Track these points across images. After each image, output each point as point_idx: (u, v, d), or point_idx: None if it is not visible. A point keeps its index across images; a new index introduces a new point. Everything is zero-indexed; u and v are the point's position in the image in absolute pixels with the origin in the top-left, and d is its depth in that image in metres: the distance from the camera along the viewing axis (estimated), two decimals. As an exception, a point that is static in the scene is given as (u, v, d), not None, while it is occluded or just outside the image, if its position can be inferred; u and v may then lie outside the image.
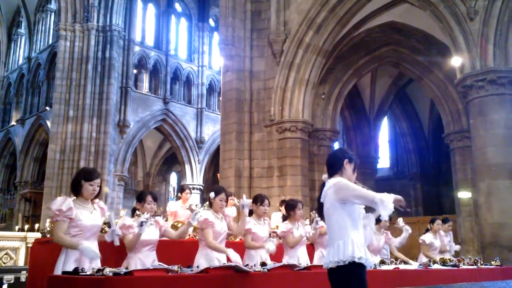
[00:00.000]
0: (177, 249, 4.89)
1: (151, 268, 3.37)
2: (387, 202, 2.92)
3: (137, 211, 4.26)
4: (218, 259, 4.31)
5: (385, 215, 2.92)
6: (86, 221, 3.68)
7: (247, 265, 4.34)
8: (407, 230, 6.72)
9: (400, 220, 6.75)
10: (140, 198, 4.36)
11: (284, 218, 5.48)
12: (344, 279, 3.01)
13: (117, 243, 3.80)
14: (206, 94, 25.50)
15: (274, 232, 5.47)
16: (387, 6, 12.05)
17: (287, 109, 12.20)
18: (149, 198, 4.33)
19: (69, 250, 3.62)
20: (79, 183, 3.73)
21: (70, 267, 3.52)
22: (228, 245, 5.04)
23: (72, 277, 3.23)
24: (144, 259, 4.13)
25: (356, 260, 2.96)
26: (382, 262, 5.64)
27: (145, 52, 23.44)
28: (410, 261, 6.44)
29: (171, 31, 25.27)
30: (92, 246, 3.66)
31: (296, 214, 5.30)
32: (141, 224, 3.92)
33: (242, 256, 4.92)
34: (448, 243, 7.54)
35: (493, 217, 8.77)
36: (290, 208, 5.36)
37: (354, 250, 2.97)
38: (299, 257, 5.25)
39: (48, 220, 6.14)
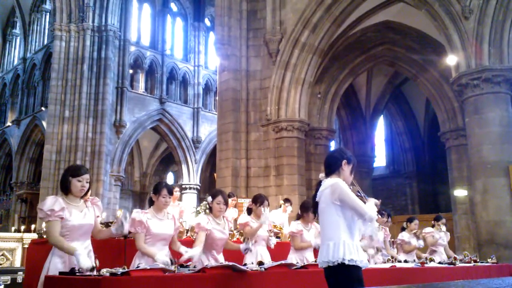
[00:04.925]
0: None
1: (148, 268, 3.36)
2: (375, 221, 3.14)
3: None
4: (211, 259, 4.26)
5: (368, 232, 3.12)
6: (74, 221, 3.55)
7: (245, 264, 4.34)
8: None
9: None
10: (156, 190, 4.12)
11: (297, 217, 5.46)
12: (338, 279, 3.03)
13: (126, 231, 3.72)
14: (203, 94, 25.48)
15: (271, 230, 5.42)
16: (382, 5, 12.09)
17: (284, 109, 12.21)
18: (164, 191, 4.09)
19: (56, 250, 3.54)
20: (67, 180, 3.63)
21: (57, 268, 3.46)
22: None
23: (68, 278, 3.23)
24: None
25: (346, 262, 2.98)
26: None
27: (141, 52, 23.40)
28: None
29: (166, 31, 25.23)
30: (82, 246, 3.58)
31: (309, 217, 5.28)
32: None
33: (242, 256, 4.87)
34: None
35: (489, 215, 8.81)
36: (304, 209, 5.34)
37: (345, 252, 2.99)
38: (306, 258, 5.19)
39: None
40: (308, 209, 5.22)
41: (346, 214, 3.10)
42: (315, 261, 4.16)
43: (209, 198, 4.39)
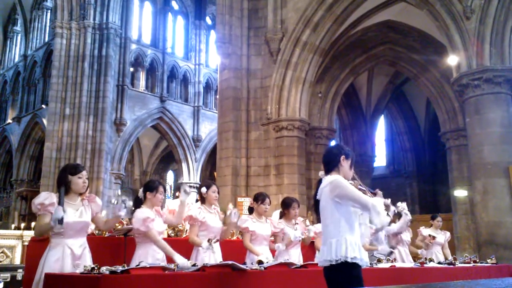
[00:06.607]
0: (174, 246, 4.88)
1: (148, 266, 3.36)
2: (380, 209, 2.94)
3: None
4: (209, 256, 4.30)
5: (377, 222, 2.92)
6: (68, 219, 3.55)
7: (245, 263, 4.34)
8: (406, 214, 6.46)
9: (403, 205, 6.43)
10: (152, 187, 4.16)
11: (281, 216, 5.42)
12: (339, 278, 2.99)
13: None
14: (203, 92, 25.48)
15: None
16: (384, 5, 12.07)
17: (284, 108, 12.20)
18: (161, 188, 4.20)
19: (51, 248, 3.58)
20: (66, 179, 3.66)
21: (51, 266, 3.48)
22: (226, 243, 5.04)
23: (68, 275, 3.25)
24: (154, 251, 4.05)
25: (349, 260, 2.94)
26: (379, 260, 5.65)
27: (141, 50, 23.39)
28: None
29: (167, 29, 25.23)
30: (78, 243, 3.64)
31: (290, 213, 5.17)
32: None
33: (243, 255, 4.87)
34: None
35: (488, 216, 8.80)
36: (284, 206, 5.25)
37: (348, 250, 2.95)
38: (290, 257, 5.15)
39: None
40: (288, 206, 5.16)
41: (347, 211, 3.05)
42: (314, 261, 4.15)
43: (204, 189, 4.54)
